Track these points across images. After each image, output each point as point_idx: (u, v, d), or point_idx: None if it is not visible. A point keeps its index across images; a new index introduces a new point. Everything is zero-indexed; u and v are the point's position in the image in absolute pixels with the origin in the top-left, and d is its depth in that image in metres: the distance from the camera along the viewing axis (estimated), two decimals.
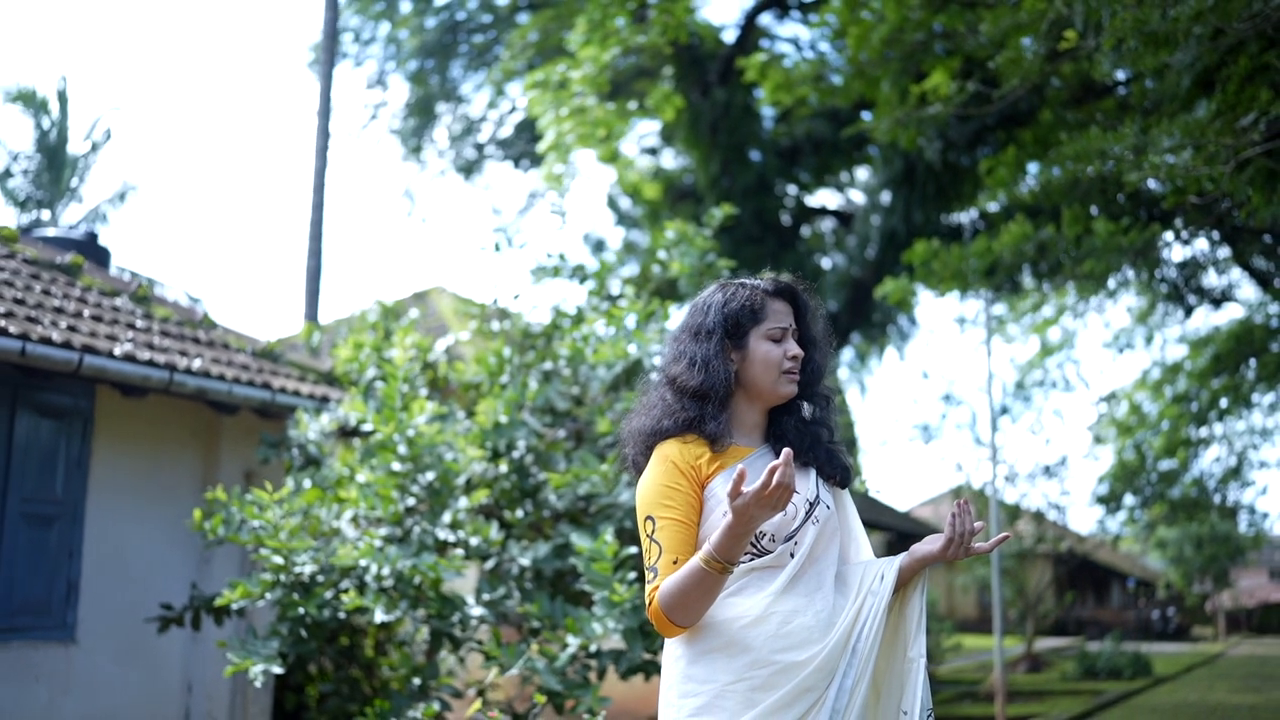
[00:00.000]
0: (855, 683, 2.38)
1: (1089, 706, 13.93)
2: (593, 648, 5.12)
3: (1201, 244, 14.22)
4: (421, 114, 23.10)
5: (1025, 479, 20.21)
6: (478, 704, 4.48)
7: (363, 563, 5.29)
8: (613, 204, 22.98)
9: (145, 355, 6.53)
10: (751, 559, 2.43)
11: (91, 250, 9.13)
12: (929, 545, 2.50)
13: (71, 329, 6.37)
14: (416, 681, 5.46)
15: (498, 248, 7.85)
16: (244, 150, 78.72)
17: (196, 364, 6.92)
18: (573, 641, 4.97)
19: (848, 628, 2.41)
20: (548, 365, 6.82)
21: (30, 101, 24.65)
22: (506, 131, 23.22)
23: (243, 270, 70.61)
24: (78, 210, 25.20)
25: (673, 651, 2.47)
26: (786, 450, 2.20)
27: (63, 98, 25.12)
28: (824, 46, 19.19)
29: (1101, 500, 20.76)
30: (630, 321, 6.71)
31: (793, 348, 2.56)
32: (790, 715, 2.33)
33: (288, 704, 7.97)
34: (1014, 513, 20.22)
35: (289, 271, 76.00)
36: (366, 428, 6.27)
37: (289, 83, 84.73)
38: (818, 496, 2.53)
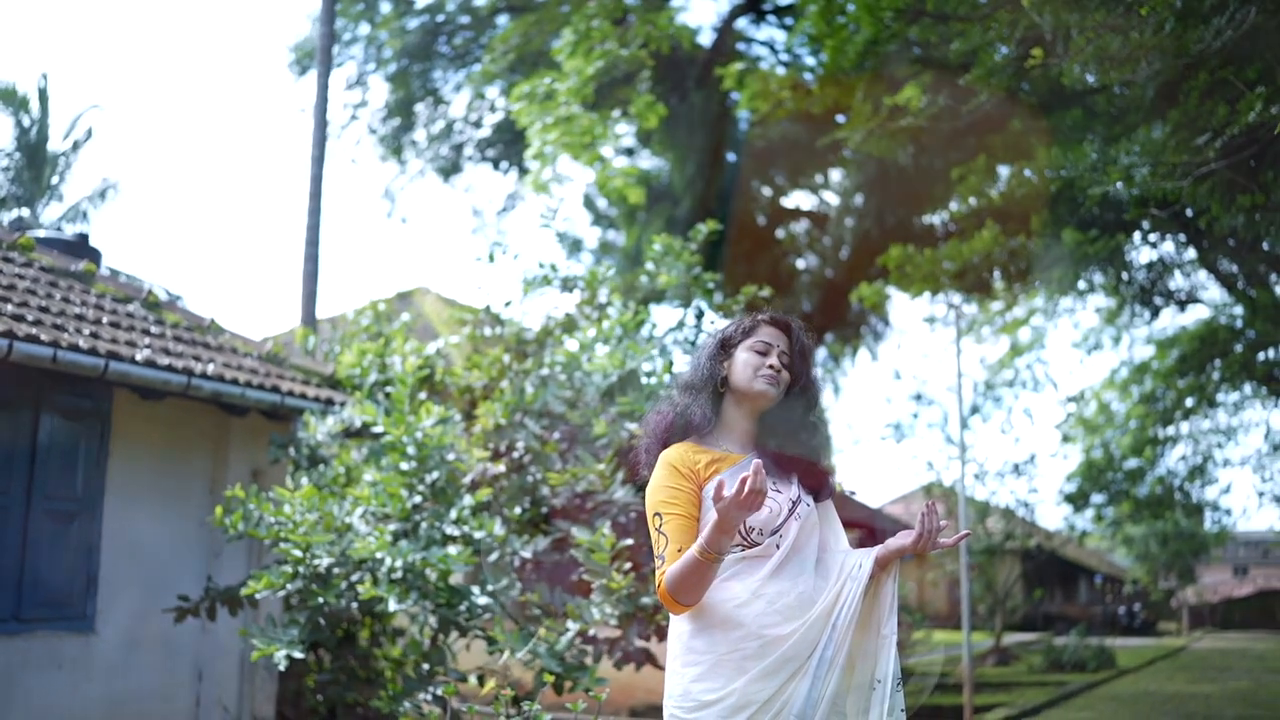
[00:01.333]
0: (834, 654, 2.79)
1: (1053, 696, 14.31)
2: (590, 633, 5.53)
3: (1168, 246, 14.60)
4: (401, 115, 23.26)
5: (995, 477, 20.59)
6: (492, 683, 4.87)
7: (378, 556, 5.68)
8: (589, 204, 23.19)
9: (164, 360, 6.86)
10: (744, 549, 2.85)
11: (83, 252, 9.30)
12: (901, 539, 2.92)
13: (94, 335, 6.69)
14: (425, 666, 5.84)
15: (491, 258, 8.22)
16: (224, 149, 78.58)
17: (210, 368, 7.26)
18: (572, 626, 5.38)
19: (828, 607, 2.82)
20: (544, 371, 7.20)
21: (10, 99, 24.45)
22: (485, 133, 23.40)
23: (223, 267, 70.56)
24: (58, 208, 25.15)
25: (677, 627, 2.89)
26: (756, 461, 2.62)
27: (43, 95, 24.93)
28: (799, 50, 19.50)
29: (1069, 498, 21.12)
30: (617, 332, 7.10)
31: (773, 359, 2.99)
32: (776, 680, 2.74)
33: (288, 691, 8.31)
34: (984, 510, 20.56)
35: (272, 268, 75.92)
36: (377, 429, 6.64)
37: (267, 81, 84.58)
38: (799, 497, 2.95)
